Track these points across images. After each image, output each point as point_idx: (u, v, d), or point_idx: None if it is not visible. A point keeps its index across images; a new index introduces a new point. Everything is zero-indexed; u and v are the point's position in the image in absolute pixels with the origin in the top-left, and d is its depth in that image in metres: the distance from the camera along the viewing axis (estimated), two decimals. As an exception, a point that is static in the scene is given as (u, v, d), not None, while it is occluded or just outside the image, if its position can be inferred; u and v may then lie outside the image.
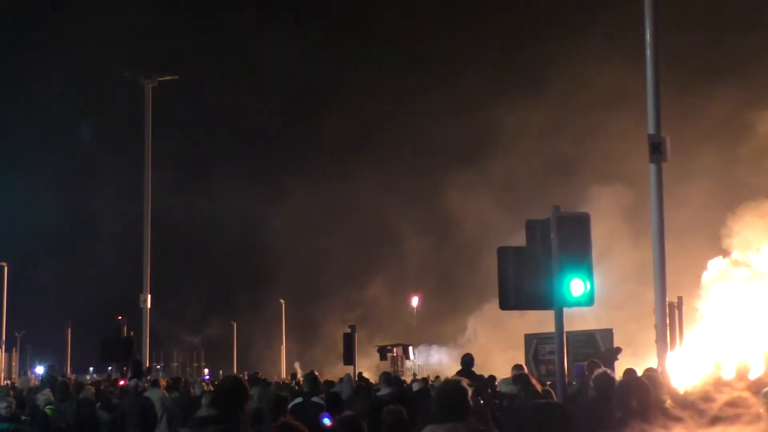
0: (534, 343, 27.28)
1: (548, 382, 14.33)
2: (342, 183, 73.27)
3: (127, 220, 47.59)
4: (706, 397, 6.80)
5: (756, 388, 10.06)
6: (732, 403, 6.50)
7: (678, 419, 6.45)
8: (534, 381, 12.79)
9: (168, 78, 37.14)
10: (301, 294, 71.49)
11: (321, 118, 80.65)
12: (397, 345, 58.16)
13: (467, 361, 15.84)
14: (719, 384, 7.68)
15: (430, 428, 5.80)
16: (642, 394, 6.91)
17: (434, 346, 60.21)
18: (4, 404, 13.70)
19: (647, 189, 14.21)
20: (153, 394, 17.80)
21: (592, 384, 10.60)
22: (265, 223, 75.47)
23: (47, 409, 15.69)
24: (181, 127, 71.81)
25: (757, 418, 6.26)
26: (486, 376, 17.41)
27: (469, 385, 6.09)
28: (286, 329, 69.39)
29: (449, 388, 6.02)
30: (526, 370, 15.18)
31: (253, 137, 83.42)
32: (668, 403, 7.86)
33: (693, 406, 6.86)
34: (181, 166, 74.70)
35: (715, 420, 6.21)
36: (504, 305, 10.51)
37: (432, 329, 61.59)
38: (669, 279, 14.30)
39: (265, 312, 71.81)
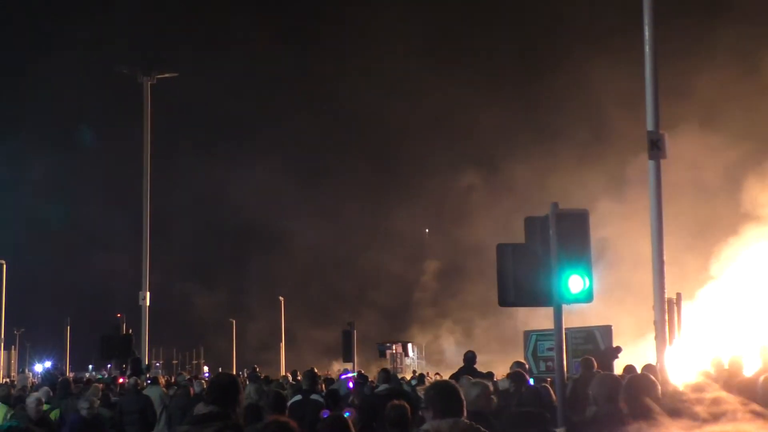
0: (533, 340, 27.34)
1: (548, 379, 14.36)
2: (347, 179, 73.20)
3: (127, 217, 47.60)
4: (685, 399, 6.84)
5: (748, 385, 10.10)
6: (712, 403, 6.54)
7: (663, 421, 6.46)
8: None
9: (167, 75, 37.19)
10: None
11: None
12: (396, 342, 58.24)
13: (470, 358, 15.89)
14: (698, 387, 7.68)
15: (434, 423, 5.86)
16: (631, 394, 6.87)
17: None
18: (86, 404, 13.52)
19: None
20: (152, 392, 17.82)
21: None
22: (267, 219, 75.31)
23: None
24: (181, 119, 71.50)
25: (734, 417, 6.30)
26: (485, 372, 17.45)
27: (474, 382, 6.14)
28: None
29: (446, 387, 6.15)
30: (527, 367, 15.29)
31: (252, 132, 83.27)
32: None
33: (681, 407, 6.89)
34: (182, 163, 74.51)
35: (696, 422, 6.25)
36: (503, 302, 10.53)
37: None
38: (672, 274, 14.36)
39: (265, 308, 71.79)
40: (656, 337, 14.45)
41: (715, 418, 6.28)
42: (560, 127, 51.88)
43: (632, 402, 6.79)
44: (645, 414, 6.59)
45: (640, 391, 6.87)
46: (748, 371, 14.03)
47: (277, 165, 75.93)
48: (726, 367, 14.37)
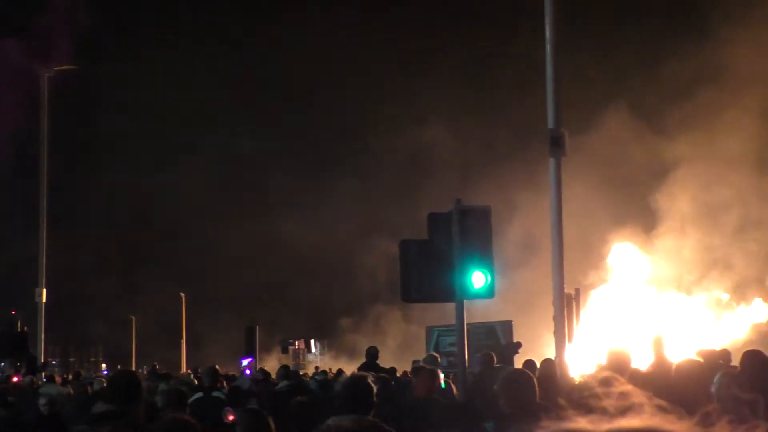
0: (435, 335, 27.53)
1: (451, 374, 14.48)
2: (270, 161, 71.77)
3: (23, 213, 46.24)
4: (592, 393, 6.91)
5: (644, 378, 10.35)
6: (619, 397, 6.63)
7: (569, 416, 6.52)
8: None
9: (65, 67, 36.27)
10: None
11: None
12: (299, 338, 58.05)
13: (372, 353, 15.90)
14: (605, 380, 7.78)
15: (335, 419, 5.83)
16: (511, 392, 6.89)
17: None
18: (44, 400, 13.10)
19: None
20: (48, 391, 17.40)
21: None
22: (166, 209, 73.66)
23: None
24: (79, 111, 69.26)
25: (638, 409, 6.40)
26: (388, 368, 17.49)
27: (376, 378, 6.14)
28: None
29: (356, 384, 6.11)
30: (439, 360, 15.43)
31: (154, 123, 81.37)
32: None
33: (588, 401, 6.96)
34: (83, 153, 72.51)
35: (604, 416, 6.33)
36: (406, 298, 10.58)
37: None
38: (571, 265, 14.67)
39: (166, 304, 70.55)
40: (555, 332, 14.71)
41: (622, 412, 6.37)
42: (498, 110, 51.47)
43: (512, 399, 6.81)
44: (549, 409, 6.65)
45: (520, 387, 6.89)
46: (640, 363, 14.39)
47: (187, 152, 74.15)
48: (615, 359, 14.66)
